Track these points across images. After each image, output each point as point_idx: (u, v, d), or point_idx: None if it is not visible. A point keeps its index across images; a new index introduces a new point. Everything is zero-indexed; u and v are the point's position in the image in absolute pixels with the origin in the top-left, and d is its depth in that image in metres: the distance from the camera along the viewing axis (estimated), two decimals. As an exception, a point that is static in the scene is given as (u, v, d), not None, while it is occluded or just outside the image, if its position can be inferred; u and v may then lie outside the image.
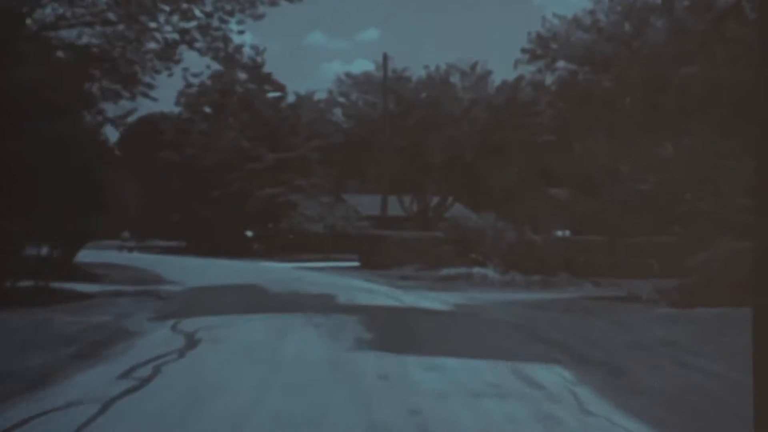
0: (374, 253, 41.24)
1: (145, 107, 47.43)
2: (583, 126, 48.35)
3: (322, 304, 19.49)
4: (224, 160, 55.88)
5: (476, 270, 29.56)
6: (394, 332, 14.69)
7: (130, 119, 29.75)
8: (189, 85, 68.07)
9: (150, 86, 25.95)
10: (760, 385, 3.89)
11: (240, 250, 58.05)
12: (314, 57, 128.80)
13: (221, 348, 12.53)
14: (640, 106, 32.83)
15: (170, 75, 26.19)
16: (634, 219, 28.28)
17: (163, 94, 50.38)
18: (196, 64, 48.35)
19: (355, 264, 42.74)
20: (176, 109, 65.95)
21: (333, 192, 55.82)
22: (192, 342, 12.87)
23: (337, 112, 60.34)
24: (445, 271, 30.20)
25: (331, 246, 51.76)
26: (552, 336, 14.01)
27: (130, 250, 58.48)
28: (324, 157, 58.86)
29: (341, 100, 59.56)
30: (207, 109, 64.99)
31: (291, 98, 60.38)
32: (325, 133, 58.33)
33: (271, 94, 58.02)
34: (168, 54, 25.03)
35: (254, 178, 55.06)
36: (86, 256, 52.77)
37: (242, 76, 63.54)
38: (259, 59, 52.07)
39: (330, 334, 13.93)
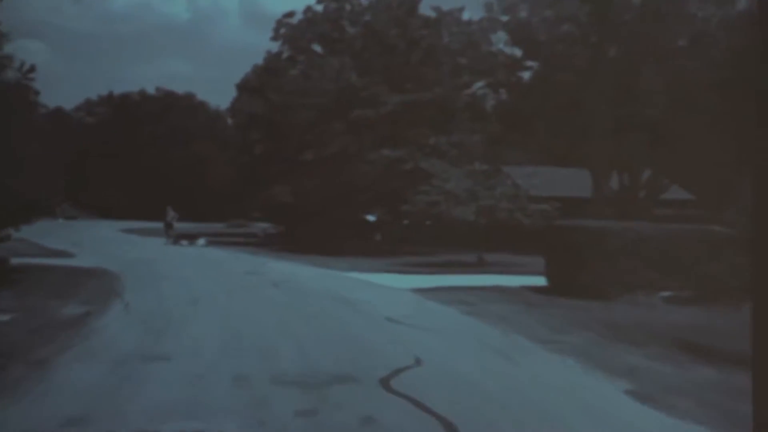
0: (578, 263, 20.36)
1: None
2: None
3: None
4: (323, 107, 36.28)
5: None
6: None
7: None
8: (289, 13, 49.87)
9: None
10: (760, 386, 3.65)
11: (355, 242, 38.75)
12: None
13: None
14: None
15: None
16: None
17: None
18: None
19: (538, 280, 22.14)
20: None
21: (488, 159, 35.08)
22: None
23: (499, 37, 39.51)
24: None
25: (488, 241, 31.37)
26: None
27: (173, 238, 39.63)
28: (475, 104, 38.39)
29: (505, 19, 38.74)
30: (316, 47, 45.48)
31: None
32: (479, 68, 37.77)
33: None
34: None
35: (366, 131, 35.09)
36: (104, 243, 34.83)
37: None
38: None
39: None
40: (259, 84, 42.13)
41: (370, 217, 49.13)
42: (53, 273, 22.24)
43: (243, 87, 43.81)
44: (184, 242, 38.47)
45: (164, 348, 10.83)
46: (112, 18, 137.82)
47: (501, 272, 26.79)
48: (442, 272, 26.60)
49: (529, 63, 38.86)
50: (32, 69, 24.93)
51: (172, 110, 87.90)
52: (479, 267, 29.22)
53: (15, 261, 24.55)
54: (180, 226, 58.13)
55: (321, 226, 43.71)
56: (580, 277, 19.97)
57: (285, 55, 46.07)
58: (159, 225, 46.12)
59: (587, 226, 20.83)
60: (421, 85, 35.86)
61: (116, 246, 36.54)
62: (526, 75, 39.02)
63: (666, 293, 19.45)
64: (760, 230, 3.91)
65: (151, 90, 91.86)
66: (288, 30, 45.89)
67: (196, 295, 17.09)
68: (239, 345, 11.22)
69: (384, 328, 12.90)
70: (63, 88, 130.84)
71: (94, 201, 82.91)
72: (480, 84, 38.79)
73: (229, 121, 66.60)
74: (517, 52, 39.02)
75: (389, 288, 20.65)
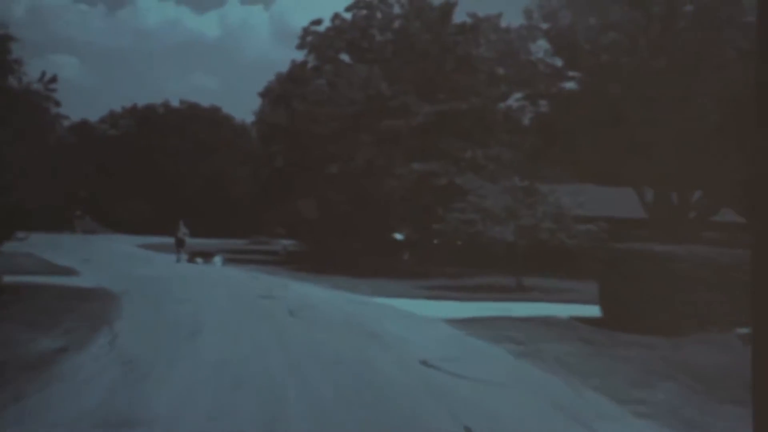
0: (639, 292, 17.66)
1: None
2: None
3: None
4: (350, 117, 33.87)
5: None
6: None
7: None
8: (317, 21, 47.67)
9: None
10: (760, 387, 3.73)
11: (382, 262, 36.33)
12: None
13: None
14: None
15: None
16: None
17: None
18: None
19: (588, 310, 19.56)
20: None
21: (528, 175, 32.40)
22: None
23: (539, 46, 36.86)
24: None
25: (526, 263, 28.68)
26: None
27: (187, 255, 36.89)
28: (512, 117, 35.83)
29: (546, 26, 36.17)
30: (344, 57, 43.09)
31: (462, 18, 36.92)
32: (518, 78, 35.18)
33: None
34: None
35: (395, 143, 32.60)
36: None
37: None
38: None
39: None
40: (282, 92, 39.84)
41: (398, 236, 46.58)
42: (46, 294, 19.89)
43: (265, 96, 41.58)
44: (199, 260, 36.02)
45: (138, 405, 8.33)
46: (144, 34, 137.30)
47: (544, 299, 24.19)
48: (479, 299, 23.98)
49: (571, 73, 36.23)
50: (53, 79, 23.72)
51: (195, 123, 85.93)
52: (519, 293, 26.58)
53: (9, 279, 22.39)
54: (199, 242, 55.87)
55: (346, 245, 41.30)
56: (642, 308, 17.31)
57: (311, 64, 43.78)
58: (167, 240, 43.95)
59: (652, 250, 18.12)
60: (455, 94, 33.30)
61: (127, 263, 34.30)
62: (567, 86, 36.34)
63: (742, 330, 16.72)
64: (760, 231, 3.71)
65: (175, 102, 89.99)
66: (314, 38, 43.60)
67: (198, 326, 14.61)
68: (235, 401, 8.69)
69: (420, 378, 10.31)
70: (93, 103, 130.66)
71: (116, 215, 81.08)
72: (518, 95, 36.19)
73: (254, 134, 64.60)
74: (558, 62, 36.44)
75: (421, 318, 18.06)
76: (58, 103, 25.26)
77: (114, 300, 19.08)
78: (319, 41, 43.37)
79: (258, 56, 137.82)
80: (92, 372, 10.18)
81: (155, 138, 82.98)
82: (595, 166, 37.94)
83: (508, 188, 28.67)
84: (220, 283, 25.34)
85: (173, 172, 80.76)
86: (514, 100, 36.99)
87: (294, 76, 41.62)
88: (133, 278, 25.51)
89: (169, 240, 40.19)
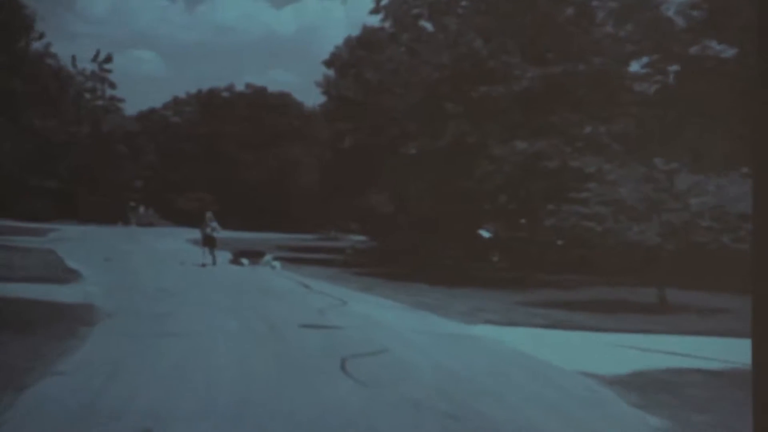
0: None
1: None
2: None
3: None
4: (434, 84, 26.92)
5: None
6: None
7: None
8: (393, -19, 40.79)
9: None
10: (760, 386, 3.77)
11: (469, 265, 29.79)
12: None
13: None
14: None
15: None
16: None
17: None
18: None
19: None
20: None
21: (673, 157, 24.93)
22: None
23: (671, 3, 29.28)
24: None
25: (667, 273, 21.30)
26: None
27: (234, 257, 29.73)
28: (633, 86, 28.50)
29: (679, -28, 28.62)
30: (425, 24, 36.16)
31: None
32: (647, 38, 27.75)
33: None
34: None
35: (491, 115, 25.48)
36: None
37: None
38: None
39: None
40: (351, 60, 33.19)
41: (484, 233, 39.73)
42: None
43: (331, 64, 34.98)
44: (245, 261, 29.24)
45: None
46: (221, 28, 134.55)
47: (714, 330, 16.84)
48: (619, 328, 16.75)
49: (716, 32, 28.67)
50: (108, 59, 18.75)
51: (261, 108, 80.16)
52: (666, 314, 19.35)
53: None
54: (260, 237, 49.66)
55: (424, 242, 34.72)
56: None
57: (387, 31, 37.01)
58: (231, 235, 37.72)
59: None
60: (568, 53, 26.00)
61: (153, 264, 28.19)
62: (711, 46, 28.78)
63: None
64: (760, 228, 3.78)
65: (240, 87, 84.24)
66: (391, 1, 36.74)
67: (170, 404, 7.92)
68: None
69: None
70: (170, 96, 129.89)
71: (177, 206, 75.89)
72: (645, 59, 28.79)
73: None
74: (697, 16, 28.96)
75: (562, 379, 10.95)
76: (113, 85, 20.22)
77: (85, 327, 12.69)
78: (397, 4, 36.53)
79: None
80: None
81: (218, 124, 77.55)
82: (744, 150, 30.42)
83: (646, 174, 21.35)
84: (253, 299, 18.60)
85: (237, 161, 75.15)
86: (640, 65, 29.63)
87: (366, 42, 34.94)
88: (141, 288, 19.20)
89: (224, 234, 33.80)
